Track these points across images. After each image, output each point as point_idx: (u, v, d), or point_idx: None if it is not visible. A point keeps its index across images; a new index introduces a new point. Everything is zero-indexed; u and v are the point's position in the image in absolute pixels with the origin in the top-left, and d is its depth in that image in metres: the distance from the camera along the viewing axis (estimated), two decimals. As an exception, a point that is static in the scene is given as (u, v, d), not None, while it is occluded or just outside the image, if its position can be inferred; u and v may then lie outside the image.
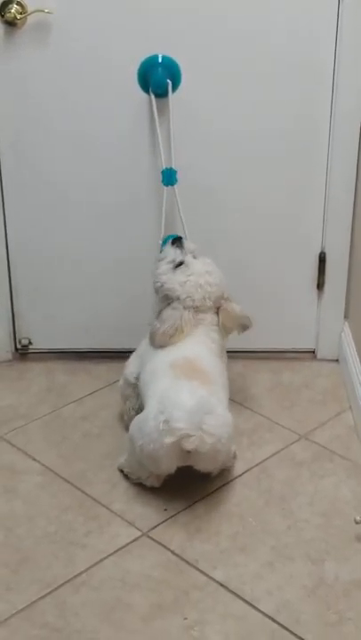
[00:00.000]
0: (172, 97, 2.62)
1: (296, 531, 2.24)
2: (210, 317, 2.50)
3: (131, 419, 2.43)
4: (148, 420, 2.23)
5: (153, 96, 2.61)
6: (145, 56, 2.60)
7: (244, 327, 2.59)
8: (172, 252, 2.53)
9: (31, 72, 2.64)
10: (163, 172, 2.65)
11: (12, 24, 2.55)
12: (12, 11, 2.53)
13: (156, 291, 2.53)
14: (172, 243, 2.55)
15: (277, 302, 2.95)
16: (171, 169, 2.64)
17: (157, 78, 2.60)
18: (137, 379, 2.51)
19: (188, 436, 2.13)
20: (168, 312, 2.47)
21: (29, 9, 2.54)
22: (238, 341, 2.95)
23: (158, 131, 2.64)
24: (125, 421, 2.58)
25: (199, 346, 2.45)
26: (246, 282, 2.91)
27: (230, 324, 2.55)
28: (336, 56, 2.62)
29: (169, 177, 2.64)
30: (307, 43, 2.62)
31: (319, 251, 2.88)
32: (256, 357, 3.00)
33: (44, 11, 2.54)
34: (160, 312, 2.51)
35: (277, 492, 2.38)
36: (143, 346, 2.55)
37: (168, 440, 2.15)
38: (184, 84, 2.64)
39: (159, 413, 2.18)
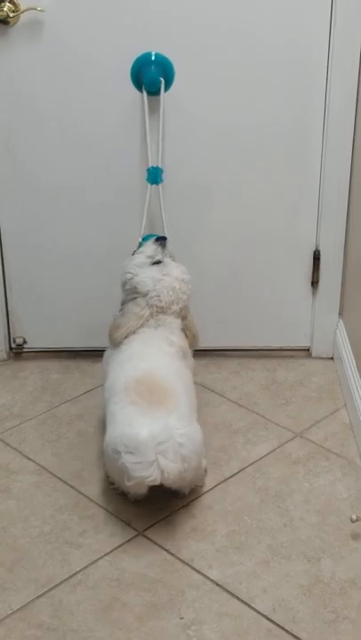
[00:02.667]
0: (165, 95, 2.61)
1: (292, 529, 2.24)
2: (171, 320, 2.45)
3: None
4: (107, 451, 2.20)
5: (145, 94, 2.61)
6: (138, 54, 2.59)
7: (192, 344, 2.54)
8: (152, 248, 2.49)
9: (24, 70, 2.63)
10: (148, 171, 2.64)
11: (4, 22, 2.54)
12: (5, 9, 2.52)
13: (124, 283, 2.50)
14: (156, 240, 2.52)
15: (272, 300, 2.95)
16: (157, 168, 2.63)
17: (150, 76, 2.59)
18: None
19: (147, 477, 2.09)
20: (130, 307, 2.45)
21: (22, 7, 2.53)
22: (233, 339, 2.96)
23: (148, 129, 2.63)
24: None
25: (156, 353, 2.38)
26: (241, 280, 2.91)
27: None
28: (329, 56, 2.62)
29: (154, 176, 2.63)
30: (301, 44, 2.62)
31: (314, 248, 2.88)
32: (251, 355, 3.00)
33: (36, 9, 2.53)
34: (123, 307, 2.49)
35: (273, 491, 2.38)
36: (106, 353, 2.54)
37: (129, 483, 2.12)
38: (177, 83, 2.63)
39: (116, 453, 2.13)
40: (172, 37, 2.59)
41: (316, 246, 2.87)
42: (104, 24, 2.58)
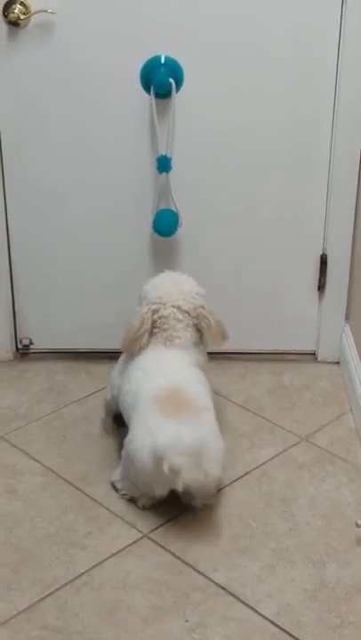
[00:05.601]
0: (174, 98, 2.62)
1: (297, 533, 2.24)
2: (185, 334, 2.44)
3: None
4: (143, 459, 2.18)
5: (153, 96, 2.61)
6: (147, 58, 2.60)
7: (223, 337, 2.52)
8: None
9: (34, 72, 2.63)
10: (158, 160, 2.67)
11: (15, 24, 2.55)
12: (16, 11, 2.53)
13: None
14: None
15: (278, 303, 2.95)
16: (165, 156, 2.66)
17: (160, 77, 2.59)
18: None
19: (196, 477, 2.13)
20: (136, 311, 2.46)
21: (33, 9, 2.54)
22: (239, 343, 2.96)
23: (158, 130, 2.65)
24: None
25: (174, 360, 2.39)
26: (247, 283, 2.91)
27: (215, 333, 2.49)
28: (339, 57, 2.62)
29: (164, 163, 2.66)
30: (310, 44, 2.62)
31: (320, 252, 2.88)
32: (257, 359, 3.00)
33: (47, 11, 2.53)
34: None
35: (278, 495, 2.38)
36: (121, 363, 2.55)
37: (179, 486, 2.13)
38: (186, 87, 2.64)
39: (156, 461, 2.12)
40: (181, 42, 2.60)
41: (323, 250, 2.88)
42: (114, 27, 2.58)
